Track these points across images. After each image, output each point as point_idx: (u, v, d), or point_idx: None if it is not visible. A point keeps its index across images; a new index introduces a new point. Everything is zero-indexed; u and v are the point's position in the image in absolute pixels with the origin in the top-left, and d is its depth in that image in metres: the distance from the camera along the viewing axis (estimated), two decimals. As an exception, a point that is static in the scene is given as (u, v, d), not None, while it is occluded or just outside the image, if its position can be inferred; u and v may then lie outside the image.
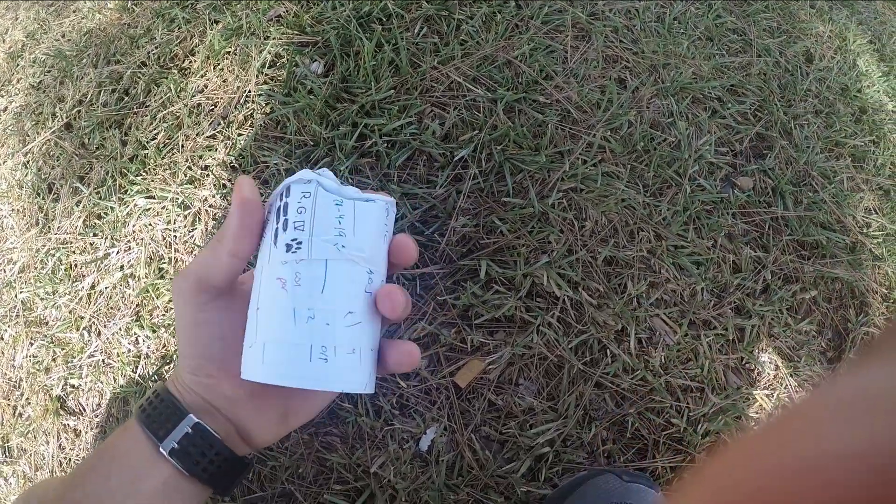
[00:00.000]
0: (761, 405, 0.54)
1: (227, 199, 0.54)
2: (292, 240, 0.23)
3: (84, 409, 0.56)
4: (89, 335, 0.58)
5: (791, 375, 0.55)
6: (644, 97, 0.56)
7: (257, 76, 0.59)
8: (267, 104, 0.56)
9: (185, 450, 0.26)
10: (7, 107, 0.75)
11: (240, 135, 0.55)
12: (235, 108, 0.57)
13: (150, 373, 0.54)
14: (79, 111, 0.66)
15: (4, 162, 0.70)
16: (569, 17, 0.58)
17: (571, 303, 0.48)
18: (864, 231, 0.62)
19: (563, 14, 0.58)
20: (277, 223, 0.24)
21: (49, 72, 0.76)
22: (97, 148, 0.63)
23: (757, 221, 0.57)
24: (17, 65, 0.83)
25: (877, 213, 0.65)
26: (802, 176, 0.60)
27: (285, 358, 0.23)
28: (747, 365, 0.54)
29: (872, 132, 0.68)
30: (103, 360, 0.57)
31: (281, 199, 0.24)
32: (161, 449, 0.25)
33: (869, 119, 0.68)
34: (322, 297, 0.23)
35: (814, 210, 0.59)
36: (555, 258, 0.48)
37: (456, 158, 0.50)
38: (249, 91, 0.58)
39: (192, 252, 0.54)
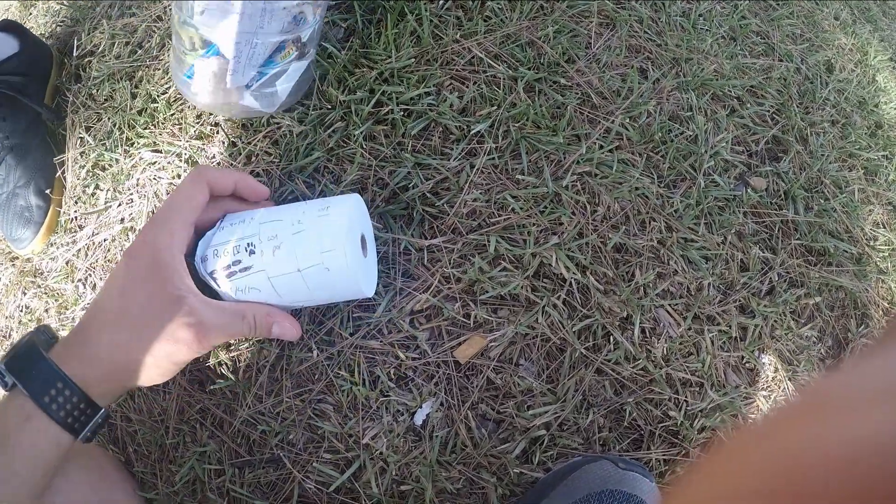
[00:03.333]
0: (758, 405, 0.54)
1: (234, 158, 0.53)
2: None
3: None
4: (84, 287, 0.57)
5: (789, 379, 0.55)
6: (664, 89, 0.56)
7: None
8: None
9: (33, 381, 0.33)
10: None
11: (254, 94, 0.54)
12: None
13: (144, 328, 0.53)
14: (89, 62, 0.65)
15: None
16: (595, 4, 0.57)
17: (578, 286, 0.48)
18: (871, 244, 0.62)
19: (589, 0, 0.58)
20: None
21: (62, 23, 0.75)
22: (105, 100, 0.62)
23: (767, 223, 0.56)
24: (30, 13, 0.82)
25: (884, 227, 0.65)
26: (815, 183, 0.60)
27: None
28: (747, 364, 0.53)
29: (886, 147, 0.68)
30: (96, 313, 0.56)
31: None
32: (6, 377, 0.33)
33: (884, 134, 0.68)
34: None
35: (824, 217, 0.59)
36: (565, 240, 0.48)
37: (472, 133, 0.49)
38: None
39: (196, 208, 0.53)
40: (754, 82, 0.60)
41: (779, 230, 0.56)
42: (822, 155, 0.61)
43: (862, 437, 0.08)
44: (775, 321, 0.54)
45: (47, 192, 0.59)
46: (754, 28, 0.64)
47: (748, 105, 0.59)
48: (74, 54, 0.66)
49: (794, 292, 0.55)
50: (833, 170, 0.61)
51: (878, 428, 0.08)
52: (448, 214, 0.47)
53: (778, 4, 0.66)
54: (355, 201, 0.38)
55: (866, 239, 0.61)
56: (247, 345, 0.49)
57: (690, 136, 0.55)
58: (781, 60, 0.63)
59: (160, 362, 0.35)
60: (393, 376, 0.46)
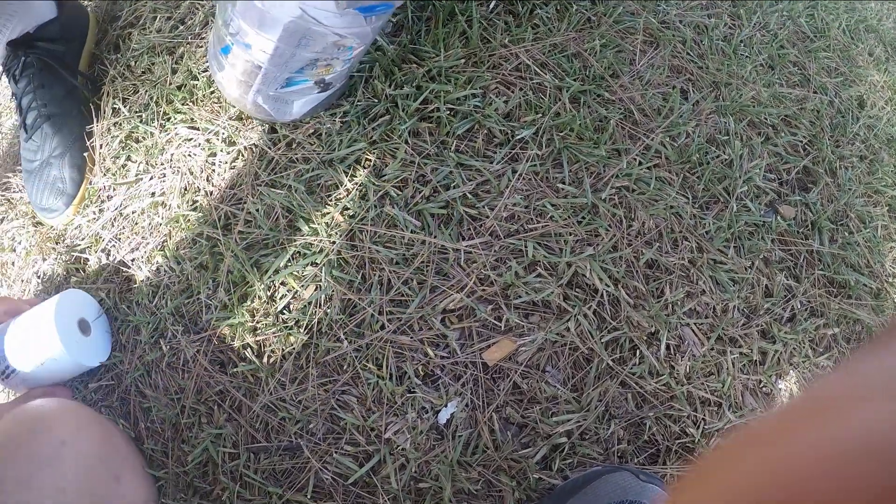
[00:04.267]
0: (772, 431, 0.54)
1: (275, 142, 0.52)
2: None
3: (92, 332, 0.54)
4: (107, 258, 0.56)
5: (803, 407, 0.56)
6: (704, 111, 0.56)
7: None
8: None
9: None
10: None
11: (298, 80, 0.54)
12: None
13: (167, 303, 0.52)
14: (130, 33, 0.65)
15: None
16: (641, 21, 0.58)
17: (609, 298, 0.48)
18: (890, 280, 0.63)
19: (635, 17, 0.58)
20: None
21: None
22: (143, 72, 0.62)
23: (793, 251, 0.57)
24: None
25: (902, 264, 0.66)
26: (841, 216, 0.61)
27: None
28: (764, 388, 0.54)
29: (909, 186, 0.69)
30: (119, 286, 0.55)
31: None
32: None
33: (907, 173, 0.69)
34: None
35: (847, 250, 0.60)
36: (599, 252, 0.48)
37: (517, 138, 0.50)
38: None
39: (231, 188, 0.52)
40: (789, 112, 0.61)
41: (804, 259, 0.57)
42: (850, 189, 0.62)
43: (856, 435, 0.08)
44: (794, 348, 0.55)
45: (84, 156, 0.58)
46: (792, 58, 0.65)
47: (782, 134, 0.60)
48: (119, 24, 0.65)
49: (814, 321, 0.56)
50: (859, 204, 0.62)
51: (871, 426, 0.08)
52: (488, 217, 0.47)
53: (815, 37, 0.68)
54: (59, 304, 0.50)
55: (886, 275, 0.62)
56: (274, 329, 0.49)
57: (726, 159, 0.55)
58: (816, 92, 0.64)
59: None
60: (420, 373, 0.46)
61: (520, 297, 0.46)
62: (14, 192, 0.66)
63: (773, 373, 0.54)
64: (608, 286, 0.48)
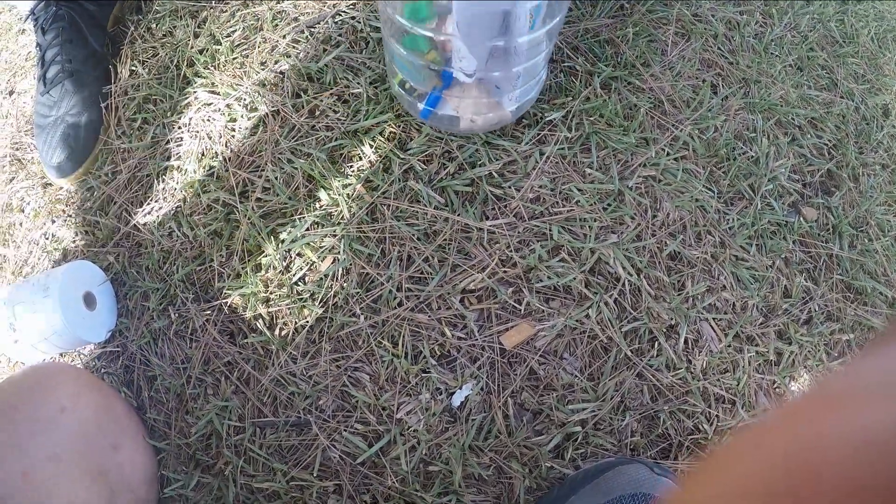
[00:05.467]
0: (783, 433, 0.54)
1: (297, 108, 0.51)
2: None
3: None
4: (118, 221, 0.55)
5: (814, 411, 0.55)
6: (732, 107, 0.56)
7: (350, -2, 0.57)
8: (358, 23, 0.54)
9: None
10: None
11: (325, 50, 0.53)
12: (323, 22, 0.55)
13: (178, 270, 0.51)
14: (150, -6, 0.63)
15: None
16: (674, 13, 0.57)
17: (631, 287, 0.47)
18: (905, 289, 0.63)
19: (668, 8, 0.58)
20: None
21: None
22: (164, 35, 0.60)
23: (813, 254, 0.57)
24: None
25: (917, 275, 0.66)
26: (861, 222, 0.61)
27: None
28: (777, 389, 0.54)
29: (926, 198, 0.69)
30: (129, 250, 0.54)
31: None
32: None
33: (926, 185, 0.69)
34: None
35: (865, 257, 0.60)
36: (623, 240, 0.47)
37: (545, 120, 0.49)
38: (341, 9, 0.56)
39: (250, 154, 0.51)
40: (816, 114, 0.60)
41: (823, 263, 0.57)
42: (871, 196, 0.61)
43: (860, 434, 0.08)
44: (809, 351, 0.55)
45: (100, 116, 0.57)
46: (820, 62, 0.64)
47: (808, 135, 0.59)
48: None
49: (829, 325, 0.56)
50: (879, 212, 0.61)
51: (875, 425, 0.08)
52: (513, 198, 0.47)
53: (844, 42, 0.67)
54: (62, 282, 0.48)
55: (901, 284, 0.61)
56: (287, 301, 0.48)
57: (753, 157, 0.55)
58: (843, 97, 0.64)
59: None
60: (436, 353, 0.45)
61: (541, 280, 0.46)
62: (26, 151, 0.64)
63: (787, 374, 0.53)
64: (630, 275, 0.47)
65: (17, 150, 0.64)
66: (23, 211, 0.60)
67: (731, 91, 0.57)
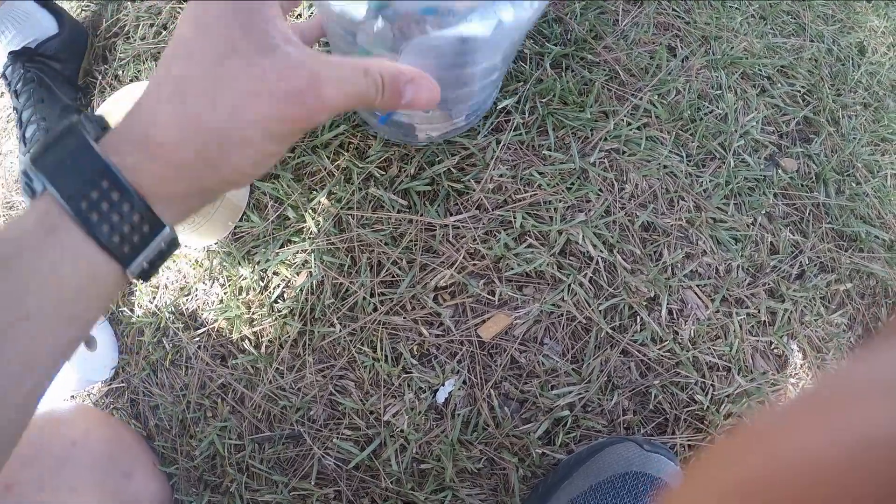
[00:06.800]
0: (786, 393, 0.52)
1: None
2: None
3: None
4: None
5: (818, 367, 0.53)
6: (693, 67, 0.54)
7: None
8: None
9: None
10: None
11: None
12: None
13: (167, 303, 0.53)
14: (114, 43, 0.65)
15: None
16: (622, -19, 0.56)
17: (605, 264, 0.47)
18: (904, 230, 0.60)
19: (616, -23, 0.57)
20: None
21: (87, 7, 0.75)
22: (131, 80, 0.62)
23: (798, 205, 0.55)
24: (53, -4, 0.82)
25: (917, 214, 0.63)
26: (847, 166, 0.58)
27: None
28: (775, 350, 0.52)
29: (919, 132, 0.66)
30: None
31: None
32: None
33: (917, 118, 0.66)
34: None
35: (855, 202, 0.57)
36: (592, 217, 0.47)
37: (499, 108, 0.49)
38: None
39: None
40: (785, 62, 0.59)
41: (809, 213, 0.55)
42: (854, 138, 0.59)
43: (857, 435, 0.08)
44: (805, 306, 0.53)
45: None
46: (785, 8, 0.62)
47: (779, 85, 0.57)
48: (100, 34, 0.66)
49: (824, 277, 0.54)
50: (865, 153, 0.59)
51: (872, 426, 0.08)
52: (474, 190, 0.47)
53: (809, -16, 0.65)
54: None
55: (899, 225, 0.59)
56: (269, 319, 0.49)
57: (720, 114, 0.54)
58: (812, 41, 0.61)
59: (251, 136, 0.23)
60: (416, 353, 0.46)
61: (511, 269, 0.45)
62: (17, 210, 0.67)
63: (783, 333, 0.52)
64: (602, 252, 0.46)
65: (10, 209, 0.67)
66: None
67: (690, 51, 0.55)
